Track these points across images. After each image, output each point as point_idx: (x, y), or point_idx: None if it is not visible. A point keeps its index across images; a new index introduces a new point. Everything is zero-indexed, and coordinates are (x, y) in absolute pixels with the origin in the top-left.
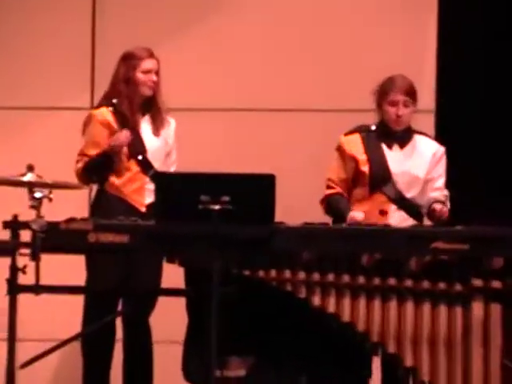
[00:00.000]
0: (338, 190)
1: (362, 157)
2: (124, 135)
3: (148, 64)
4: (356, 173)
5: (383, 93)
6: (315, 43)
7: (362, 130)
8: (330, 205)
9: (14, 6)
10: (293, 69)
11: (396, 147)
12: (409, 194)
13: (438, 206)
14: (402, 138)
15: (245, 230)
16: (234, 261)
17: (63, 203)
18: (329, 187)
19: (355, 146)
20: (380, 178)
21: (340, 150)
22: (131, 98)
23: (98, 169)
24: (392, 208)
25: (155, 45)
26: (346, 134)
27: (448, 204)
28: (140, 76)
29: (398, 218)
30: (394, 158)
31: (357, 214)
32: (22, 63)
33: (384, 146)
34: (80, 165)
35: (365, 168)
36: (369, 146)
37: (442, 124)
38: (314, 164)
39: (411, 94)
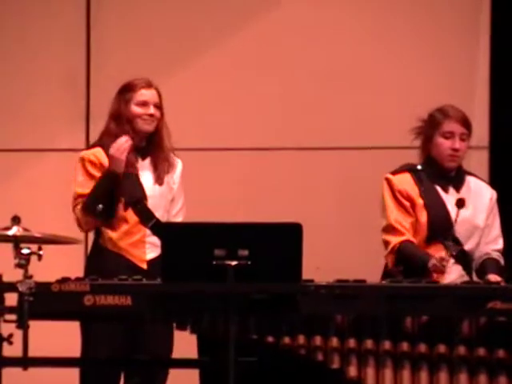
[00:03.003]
0: (408, 235)
1: (418, 201)
2: (123, 139)
3: (143, 95)
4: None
5: (435, 124)
6: (339, 75)
7: (411, 169)
8: (404, 254)
9: (3, 49)
10: (315, 103)
11: (452, 191)
12: (467, 246)
13: (492, 278)
14: (457, 179)
15: (267, 289)
16: (255, 326)
17: (55, 260)
18: (396, 232)
19: (410, 186)
20: (440, 227)
21: (392, 189)
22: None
23: (102, 192)
24: (449, 262)
25: (158, 79)
26: (393, 173)
27: (502, 261)
28: (134, 109)
29: (455, 273)
30: (453, 203)
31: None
32: (7, 100)
33: (439, 189)
34: (79, 206)
35: (422, 214)
36: (423, 189)
37: (498, 161)
38: (343, 210)
39: (468, 125)
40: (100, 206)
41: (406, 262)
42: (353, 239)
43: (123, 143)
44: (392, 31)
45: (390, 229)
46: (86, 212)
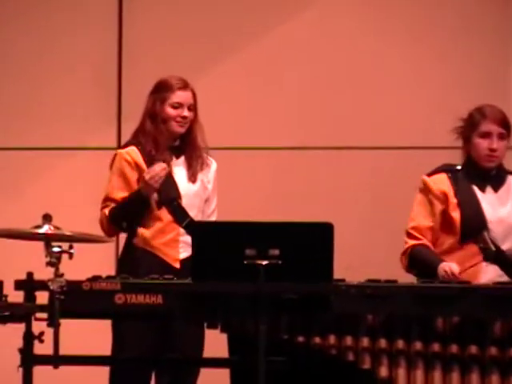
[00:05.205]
0: (424, 241)
1: (452, 200)
2: (160, 167)
3: (178, 97)
4: (444, 218)
5: (473, 124)
6: (372, 74)
7: (448, 169)
8: (416, 257)
9: (35, 46)
10: (348, 103)
11: (489, 190)
12: (504, 246)
13: None
14: (496, 178)
15: (297, 288)
16: (285, 325)
17: (86, 259)
18: (412, 237)
19: (444, 186)
20: (474, 226)
21: (426, 191)
22: (157, 137)
23: (129, 213)
24: (485, 261)
25: (190, 78)
26: (429, 175)
27: None
28: (169, 111)
29: (491, 273)
30: (489, 202)
31: (453, 266)
32: (38, 98)
33: (476, 189)
34: (106, 211)
35: (455, 214)
36: (459, 188)
37: None
38: (374, 209)
39: (506, 125)
40: (124, 223)
41: (417, 266)
42: (384, 239)
43: (159, 171)
44: (425, 30)
45: (408, 233)
46: (111, 223)
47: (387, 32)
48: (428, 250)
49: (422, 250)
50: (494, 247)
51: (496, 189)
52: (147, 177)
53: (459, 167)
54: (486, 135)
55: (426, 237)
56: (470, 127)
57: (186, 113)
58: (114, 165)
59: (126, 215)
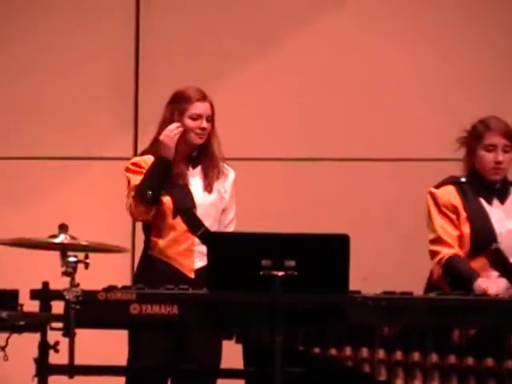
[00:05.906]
0: (457, 249)
1: (462, 214)
2: (174, 127)
3: (198, 108)
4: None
5: (477, 136)
6: (387, 86)
7: (455, 182)
8: (452, 268)
9: (53, 54)
10: (364, 114)
11: (496, 203)
12: None
13: None
14: (502, 191)
15: (313, 300)
16: (301, 336)
17: (101, 269)
18: (444, 244)
19: (453, 199)
20: (483, 240)
21: (437, 204)
22: (175, 147)
23: (153, 178)
24: (494, 274)
25: (206, 88)
26: (437, 187)
27: None
28: (188, 122)
29: (501, 286)
30: (497, 215)
31: (491, 288)
32: (54, 108)
33: (483, 202)
34: (132, 193)
35: (465, 227)
36: (467, 202)
37: None
38: (389, 221)
39: (511, 137)
40: (149, 192)
41: (452, 276)
42: (399, 251)
43: (173, 129)
44: (442, 43)
45: (438, 241)
46: (138, 198)
47: (408, 46)
48: (464, 261)
49: (460, 262)
50: (504, 260)
51: (502, 201)
52: (162, 137)
53: (464, 179)
54: (491, 148)
55: (456, 242)
56: (473, 139)
57: (204, 124)
58: (132, 171)
59: (150, 181)
